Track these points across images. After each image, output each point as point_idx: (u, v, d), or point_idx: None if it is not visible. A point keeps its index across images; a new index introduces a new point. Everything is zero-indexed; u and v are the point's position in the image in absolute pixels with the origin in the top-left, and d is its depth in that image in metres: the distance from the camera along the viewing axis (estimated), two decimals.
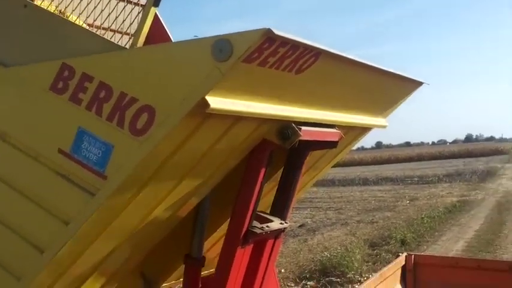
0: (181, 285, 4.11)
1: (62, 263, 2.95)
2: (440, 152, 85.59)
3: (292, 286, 10.48)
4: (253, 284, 3.58)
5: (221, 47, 2.37)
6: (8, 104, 3.10)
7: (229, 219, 3.32)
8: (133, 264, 3.58)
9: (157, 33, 4.13)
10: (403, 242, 13.37)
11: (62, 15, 3.32)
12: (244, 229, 3.24)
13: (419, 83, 4.06)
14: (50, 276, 2.99)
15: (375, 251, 12.65)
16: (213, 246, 4.07)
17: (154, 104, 2.57)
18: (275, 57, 2.52)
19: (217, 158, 3.00)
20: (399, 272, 5.55)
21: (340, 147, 3.79)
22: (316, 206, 23.09)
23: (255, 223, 3.34)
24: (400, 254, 5.80)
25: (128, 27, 3.42)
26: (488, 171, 38.84)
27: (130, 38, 3.27)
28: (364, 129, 4.20)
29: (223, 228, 3.63)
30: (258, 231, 3.31)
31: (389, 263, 5.74)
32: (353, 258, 11.18)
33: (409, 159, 76.92)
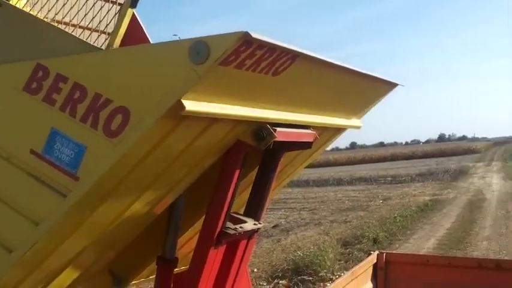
0: (150, 284, 4.11)
1: (30, 263, 2.94)
2: (413, 151, 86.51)
3: (264, 285, 10.50)
4: (225, 284, 3.59)
5: (198, 50, 2.37)
6: None
7: (203, 218, 3.32)
8: (105, 262, 3.57)
9: (135, 33, 4.10)
10: (375, 241, 13.50)
11: (37, 15, 3.30)
12: (218, 230, 3.24)
13: (394, 85, 4.09)
14: (17, 276, 2.97)
15: (348, 250, 12.75)
16: (186, 243, 4.07)
17: (129, 105, 2.56)
18: (252, 60, 2.52)
19: (192, 159, 3.00)
20: (371, 270, 5.59)
21: (315, 148, 3.80)
22: (291, 207, 23.14)
23: (229, 224, 3.34)
24: (372, 252, 5.85)
25: (106, 26, 3.40)
26: (460, 171, 39.35)
27: (107, 38, 3.27)
28: (338, 130, 4.22)
29: (197, 226, 3.64)
30: (232, 232, 3.32)
31: (361, 261, 5.80)
32: (325, 257, 11.24)
33: (383, 159, 77.60)
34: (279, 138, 3.10)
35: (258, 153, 3.46)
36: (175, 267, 3.81)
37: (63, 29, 3.19)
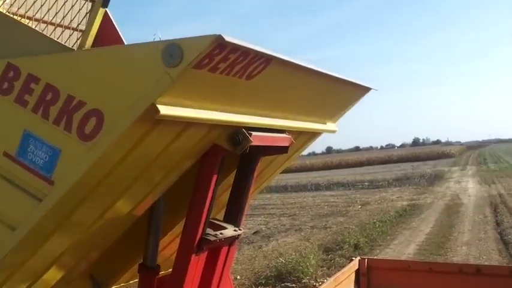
0: None
1: (6, 268, 2.89)
2: (389, 156, 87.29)
3: None
4: None
5: (172, 52, 2.35)
6: None
7: (184, 220, 3.28)
8: (86, 265, 3.51)
9: (109, 34, 4.06)
10: (356, 247, 13.49)
11: (8, 13, 3.20)
12: (198, 236, 3.21)
13: (368, 89, 4.12)
14: None
15: (329, 256, 12.71)
16: (167, 246, 4.02)
17: (103, 108, 2.52)
18: (226, 63, 2.51)
19: (168, 162, 2.97)
20: (353, 276, 5.59)
21: (291, 152, 3.80)
22: (270, 213, 23.10)
23: (209, 230, 3.32)
24: (354, 258, 5.83)
25: (79, 24, 3.33)
26: (436, 175, 39.71)
27: (79, 37, 3.18)
28: (314, 134, 4.23)
29: (178, 228, 3.61)
30: (212, 238, 3.29)
31: (343, 267, 5.76)
32: (308, 264, 11.20)
33: (359, 164, 78.14)
34: (255, 142, 3.09)
35: (235, 158, 3.44)
36: (157, 274, 3.77)
37: (35, 26, 3.13)
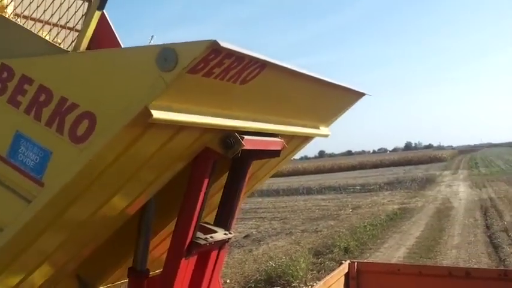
0: None
1: None
2: (381, 160, 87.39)
3: None
4: None
5: (166, 56, 2.36)
6: None
7: (174, 220, 3.28)
8: (73, 267, 3.50)
9: (106, 35, 4.06)
10: (346, 250, 13.51)
11: (3, 13, 3.21)
12: (188, 240, 3.21)
13: (362, 94, 4.13)
14: None
15: (319, 260, 12.72)
16: (157, 246, 4.02)
17: (96, 111, 2.53)
18: (220, 68, 2.52)
19: (160, 164, 2.97)
20: (343, 279, 5.59)
21: (283, 156, 3.81)
22: (261, 216, 23.08)
23: (199, 234, 3.31)
24: (344, 261, 5.84)
25: (76, 24, 3.33)
26: (428, 179, 39.80)
27: (74, 39, 3.19)
28: (306, 138, 4.24)
29: (169, 228, 3.62)
30: (202, 242, 3.29)
31: (333, 271, 5.77)
32: (298, 267, 11.21)
33: (352, 168, 78.15)
34: (247, 146, 3.09)
35: (228, 160, 3.44)
36: (147, 278, 3.75)
37: (32, 25, 3.13)
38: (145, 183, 3.05)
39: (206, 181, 3.19)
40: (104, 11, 3.28)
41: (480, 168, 54.41)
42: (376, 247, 14.31)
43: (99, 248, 3.45)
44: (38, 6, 3.26)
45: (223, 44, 2.35)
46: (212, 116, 2.82)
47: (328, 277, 5.32)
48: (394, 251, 13.62)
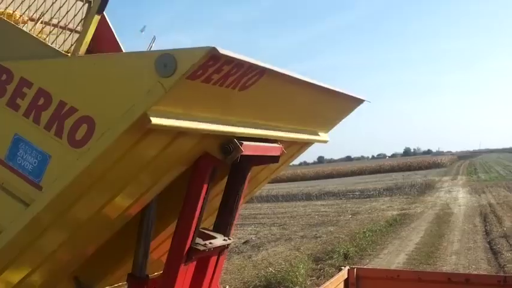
0: None
1: None
2: (380, 166, 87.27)
3: None
4: None
5: (166, 62, 2.36)
6: None
7: (174, 223, 3.28)
8: (70, 270, 3.50)
9: (106, 38, 4.06)
10: (346, 256, 13.47)
11: (3, 15, 3.21)
12: (188, 246, 3.21)
13: (361, 100, 4.13)
14: None
15: (319, 266, 12.69)
16: (156, 249, 4.00)
17: (94, 115, 2.53)
18: (219, 74, 2.52)
19: (159, 169, 2.97)
20: (342, 285, 5.58)
21: (282, 161, 3.81)
22: (260, 222, 23.04)
23: (198, 240, 3.31)
24: (343, 267, 5.82)
25: (77, 25, 3.33)
26: (427, 185, 39.73)
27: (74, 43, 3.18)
28: (306, 144, 4.24)
29: (169, 230, 3.62)
30: (201, 248, 3.29)
31: (333, 277, 5.75)
32: (297, 273, 11.18)
33: (351, 174, 78.11)
34: (246, 152, 3.10)
35: (227, 166, 3.44)
36: (146, 284, 3.72)
37: (32, 26, 3.13)
38: (144, 187, 3.05)
39: (205, 187, 3.19)
40: (105, 14, 3.28)
41: (479, 174, 54.37)
42: (376, 253, 14.28)
43: (98, 250, 3.44)
44: (37, 8, 3.26)
45: (222, 51, 2.35)
46: (211, 121, 2.82)
47: (327, 283, 5.30)
48: (394, 257, 13.59)
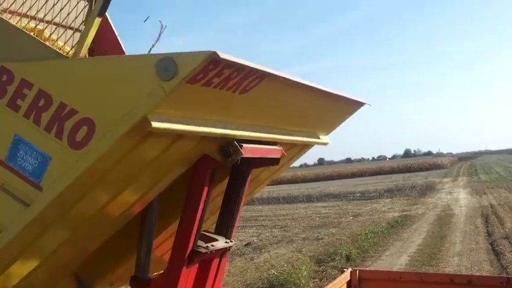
0: None
1: None
2: (380, 167, 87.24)
3: None
4: None
5: (166, 66, 2.37)
6: None
7: (176, 221, 3.27)
8: (70, 269, 3.51)
9: (108, 39, 4.06)
10: (348, 258, 13.46)
11: (4, 16, 3.21)
12: (189, 249, 3.20)
13: (361, 104, 4.14)
14: None
15: (321, 268, 12.67)
16: (159, 246, 3.99)
17: (95, 117, 2.54)
18: (220, 78, 2.53)
19: (159, 171, 2.98)
20: (345, 287, 5.57)
21: (282, 163, 3.82)
22: (262, 224, 23.03)
23: (200, 242, 3.31)
24: (345, 269, 5.82)
25: (80, 24, 3.33)
26: (428, 186, 39.73)
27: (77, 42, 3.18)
28: (306, 146, 4.25)
29: (171, 228, 3.61)
30: (203, 250, 3.29)
31: (335, 278, 5.74)
32: (300, 275, 11.17)
33: (351, 175, 78.05)
34: (246, 154, 3.10)
35: (227, 169, 3.44)
36: (149, 286, 3.69)
37: (35, 24, 3.14)
38: (145, 188, 3.06)
39: (206, 189, 3.19)
40: (107, 15, 3.27)
41: (480, 175, 54.39)
42: (378, 255, 14.27)
43: (98, 248, 3.45)
44: (40, 7, 3.26)
45: (223, 55, 2.36)
46: (211, 124, 2.83)
47: (330, 285, 5.30)
48: (396, 258, 13.58)
